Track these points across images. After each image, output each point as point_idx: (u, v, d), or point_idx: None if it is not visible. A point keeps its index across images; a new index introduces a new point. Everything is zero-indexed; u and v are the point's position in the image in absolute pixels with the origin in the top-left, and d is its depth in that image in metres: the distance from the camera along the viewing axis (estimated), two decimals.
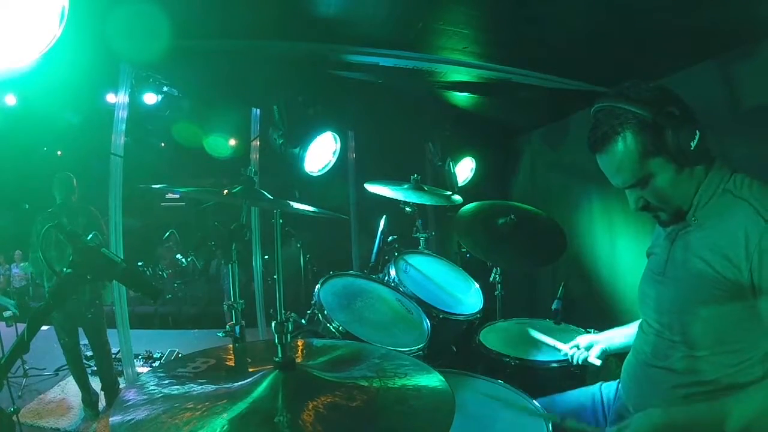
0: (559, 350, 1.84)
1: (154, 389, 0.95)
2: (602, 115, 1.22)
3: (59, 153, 7.48)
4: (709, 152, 1.22)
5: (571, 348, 1.78)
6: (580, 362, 1.73)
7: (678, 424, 1.13)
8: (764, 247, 1.06)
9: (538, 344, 2.01)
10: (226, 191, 1.48)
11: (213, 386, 0.97)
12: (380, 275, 2.28)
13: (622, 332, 1.66)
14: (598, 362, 1.69)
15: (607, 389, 1.58)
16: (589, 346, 1.73)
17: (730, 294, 1.13)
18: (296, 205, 1.46)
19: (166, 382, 0.98)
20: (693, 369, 1.21)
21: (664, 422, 1.15)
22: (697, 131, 1.14)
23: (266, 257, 4.20)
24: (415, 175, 2.58)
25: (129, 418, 0.85)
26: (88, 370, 3.77)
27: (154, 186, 1.54)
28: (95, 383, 3.72)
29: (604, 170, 1.27)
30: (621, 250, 2.85)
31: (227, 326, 1.63)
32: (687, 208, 1.24)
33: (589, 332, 1.84)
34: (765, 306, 1.08)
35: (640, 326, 1.43)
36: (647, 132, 1.15)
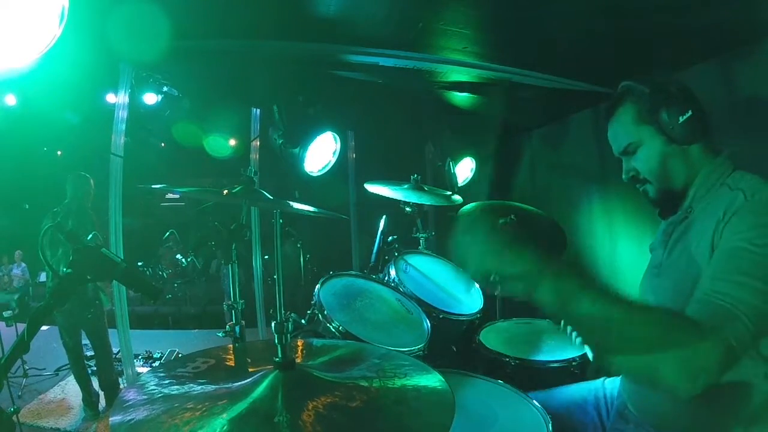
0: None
1: (154, 389, 0.95)
2: (618, 90, 1.35)
3: (59, 153, 7.48)
4: (708, 137, 1.26)
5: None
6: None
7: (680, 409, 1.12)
8: (734, 215, 1.08)
9: (538, 344, 2.01)
10: (226, 191, 1.48)
11: (213, 386, 0.97)
12: (380, 275, 2.28)
13: None
14: None
15: (610, 385, 1.57)
16: None
17: None
18: (296, 205, 1.46)
19: (166, 382, 0.98)
20: None
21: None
22: (690, 110, 1.21)
23: (266, 257, 4.21)
24: (415, 175, 2.58)
25: (129, 418, 0.85)
26: (89, 370, 3.77)
27: (154, 186, 1.54)
28: (95, 383, 3.72)
29: (609, 139, 1.37)
30: (621, 250, 2.85)
31: (227, 326, 1.63)
32: (676, 190, 1.27)
33: None
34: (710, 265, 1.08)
35: None
36: (644, 102, 1.26)
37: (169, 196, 9.68)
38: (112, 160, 3.01)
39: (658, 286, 1.33)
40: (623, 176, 1.35)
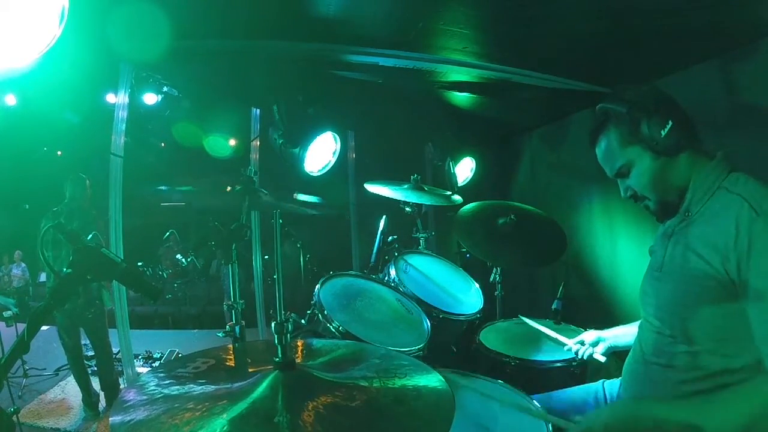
0: (563, 344, 1.83)
1: (154, 389, 0.95)
2: (597, 113, 1.35)
3: (59, 153, 7.47)
4: (696, 142, 1.27)
5: (575, 343, 1.78)
6: (585, 358, 1.73)
7: (649, 419, 1.13)
8: (753, 236, 1.08)
9: (538, 344, 2.01)
10: (229, 188, 1.47)
11: (213, 386, 0.97)
12: (380, 275, 2.28)
13: (628, 330, 1.65)
14: (603, 359, 1.68)
15: (610, 387, 1.58)
16: (595, 342, 1.72)
17: (723, 287, 1.14)
18: (301, 197, 1.45)
19: (166, 382, 0.98)
20: (693, 365, 1.21)
21: (636, 415, 1.15)
22: (670, 121, 1.22)
23: (266, 257, 4.20)
24: (415, 175, 2.58)
25: (129, 418, 0.85)
26: (89, 371, 3.77)
27: (158, 188, 1.54)
28: (95, 383, 3.72)
29: (600, 164, 1.39)
30: (621, 250, 2.85)
31: (227, 326, 1.63)
32: (675, 199, 1.29)
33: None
34: (750, 308, 1.09)
35: (641, 324, 1.43)
36: (624, 124, 1.27)
37: None
38: (112, 160, 3.01)
39: (660, 289, 1.33)
40: (622, 194, 1.37)
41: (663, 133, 1.22)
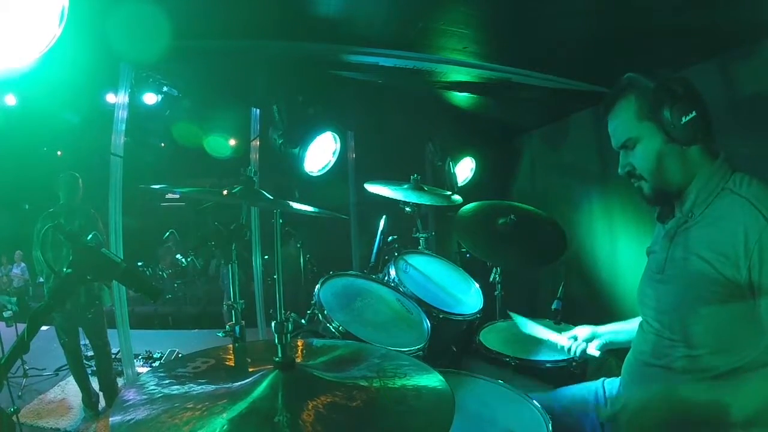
0: (555, 342, 1.82)
1: (154, 389, 0.95)
2: (621, 81, 1.32)
3: (59, 153, 7.48)
4: (709, 139, 1.25)
5: (568, 339, 1.76)
6: (578, 355, 1.71)
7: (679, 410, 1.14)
8: (764, 245, 1.07)
9: (538, 344, 2.01)
10: (225, 191, 1.47)
11: (213, 386, 0.97)
12: (380, 275, 2.28)
13: (625, 326, 1.64)
14: (596, 353, 1.67)
15: (609, 385, 1.58)
16: (590, 338, 1.71)
17: (728, 292, 1.13)
18: (296, 206, 1.45)
19: (166, 382, 0.98)
20: (693, 368, 1.21)
21: (664, 406, 1.15)
22: (694, 111, 1.20)
23: (266, 257, 4.20)
24: (415, 175, 2.58)
25: (129, 418, 0.85)
26: (88, 371, 3.77)
27: (153, 186, 1.54)
28: (94, 383, 3.72)
29: (609, 132, 1.35)
30: (621, 250, 2.85)
31: (227, 326, 1.63)
32: (672, 190, 1.27)
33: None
34: (764, 304, 1.08)
35: (640, 325, 1.43)
36: (646, 98, 1.24)
37: (169, 196, 9.68)
38: (112, 160, 3.01)
39: (661, 291, 1.32)
40: (619, 170, 1.33)
41: (683, 119, 1.19)
